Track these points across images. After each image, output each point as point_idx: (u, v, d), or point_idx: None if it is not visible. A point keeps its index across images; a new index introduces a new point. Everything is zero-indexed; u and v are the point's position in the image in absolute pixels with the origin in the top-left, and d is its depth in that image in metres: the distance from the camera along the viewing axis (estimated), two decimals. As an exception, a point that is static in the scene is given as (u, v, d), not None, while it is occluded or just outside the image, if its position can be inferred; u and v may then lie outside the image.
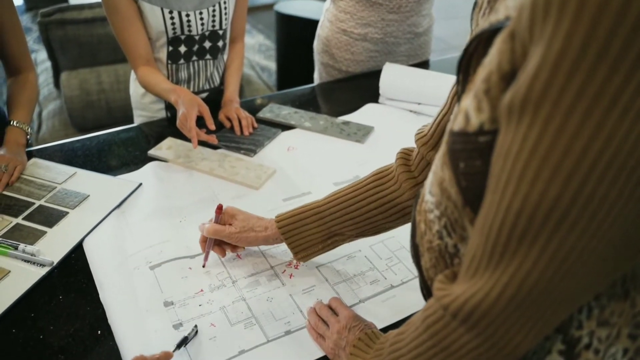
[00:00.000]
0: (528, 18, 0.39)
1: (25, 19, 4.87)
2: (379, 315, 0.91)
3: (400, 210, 0.87)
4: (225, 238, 0.96)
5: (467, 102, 0.48)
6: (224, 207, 0.98)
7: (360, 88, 1.70)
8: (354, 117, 1.54)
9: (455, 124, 0.50)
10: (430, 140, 0.82)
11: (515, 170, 0.41)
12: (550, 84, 0.38)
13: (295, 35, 3.05)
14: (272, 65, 4.02)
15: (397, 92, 1.56)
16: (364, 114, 1.55)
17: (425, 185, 0.61)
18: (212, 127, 1.27)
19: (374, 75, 1.63)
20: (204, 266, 1.00)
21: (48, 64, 2.68)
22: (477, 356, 0.50)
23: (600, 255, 0.43)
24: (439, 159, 0.55)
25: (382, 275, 1.00)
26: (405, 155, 0.88)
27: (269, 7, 3.32)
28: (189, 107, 1.24)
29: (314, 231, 0.91)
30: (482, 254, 0.47)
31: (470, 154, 0.48)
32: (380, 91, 1.59)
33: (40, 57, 3.03)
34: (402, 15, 1.67)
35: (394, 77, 1.56)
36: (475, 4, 0.64)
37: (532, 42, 0.39)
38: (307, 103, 1.63)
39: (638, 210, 0.40)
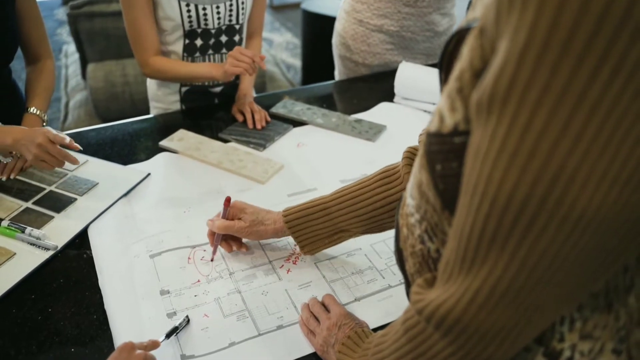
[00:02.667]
0: (494, 11, 0.38)
1: (61, 12, 5.00)
2: (374, 314, 0.90)
3: None
4: (235, 233, 0.97)
5: (441, 102, 0.47)
6: (221, 201, 0.98)
7: (376, 87, 1.69)
8: (367, 115, 1.52)
9: (431, 124, 0.48)
10: None
11: (483, 171, 0.40)
12: (515, 80, 0.36)
13: (320, 33, 3.05)
14: (298, 63, 4.03)
15: (412, 92, 1.54)
16: (378, 113, 1.54)
17: (407, 188, 0.60)
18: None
19: (391, 75, 1.62)
20: (212, 260, 1.00)
21: (78, 55, 2.75)
22: None
23: (574, 264, 0.41)
24: (417, 160, 0.54)
25: (381, 274, 0.99)
26: (411, 155, 0.86)
27: (298, 5, 3.33)
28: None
29: (321, 227, 0.91)
30: (455, 258, 0.46)
31: (447, 155, 0.46)
32: (395, 90, 1.58)
33: (71, 48, 3.10)
34: (419, 10, 1.65)
35: (410, 76, 1.55)
36: (470, 3, 0.62)
37: (498, 37, 0.38)
38: (322, 100, 1.63)
39: (613, 218, 0.38)
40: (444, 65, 0.52)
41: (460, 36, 0.47)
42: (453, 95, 0.44)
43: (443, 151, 0.47)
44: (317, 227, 0.91)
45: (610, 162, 0.35)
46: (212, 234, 0.99)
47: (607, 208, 0.37)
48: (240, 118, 1.48)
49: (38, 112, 1.31)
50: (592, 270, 0.42)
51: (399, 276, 0.98)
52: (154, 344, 0.79)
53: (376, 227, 0.90)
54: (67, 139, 1.12)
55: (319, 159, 1.33)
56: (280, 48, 4.44)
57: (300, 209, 0.93)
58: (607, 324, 0.50)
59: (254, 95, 1.61)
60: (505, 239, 0.40)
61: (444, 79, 0.53)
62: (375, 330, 0.84)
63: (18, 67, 1.42)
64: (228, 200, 0.97)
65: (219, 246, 1.00)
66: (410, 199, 0.56)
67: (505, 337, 0.46)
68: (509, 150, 0.38)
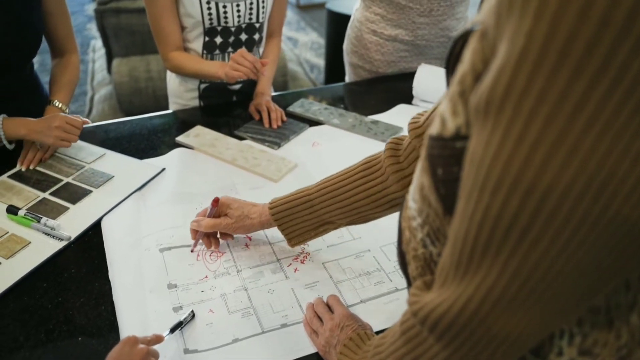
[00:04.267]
0: (496, 14, 0.37)
1: (91, 8, 5.09)
2: (379, 317, 0.90)
3: (388, 202, 0.85)
4: (223, 230, 0.98)
5: (443, 105, 0.46)
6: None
7: (395, 89, 1.68)
8: (384, 117, 1.52)
9: (433, 128, 0.48)
10: (424, 132, 0.78)
11: (478, 178, 0.39)
12: (511, 87, 0.35)
13: (344, 33, 3.04)
14: (322, 62, 4.03)
15: (431, 94, 1.53)
16: (395, 115, 1.53)
17: (409, 191, 0.59)
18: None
19: (409, 77, 1.61)
20: (192, 251, 1.02)
21: (104, 50, 2.80)
22: None
23: (569, 276, 0.40)
24: (420, 163, 0.54)
25: (388, 277, 0.98)
26: (395, 145, 0.85)
27: (324, 5, 3.33)
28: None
29: (305, 219, 0.92)
30: (450, 263, 0.45)
31: (448, 160, 0.46)
32: (414, 92, 1.56)
33: (99, 44, 3.16)
34: (434, 19, 1.63)
35: (429, 78, 1.53)
36: (480, 3, 0.61)
37: (498, 40, 0.37)
38: (340, 100, 1.63)
39: (611, 234, 0.37)
40: (450, 68, 0.51)
41: (465, 38, 0.47)
42: (455, 99, 0.44)
43: (444, 155, 0.46)
44: (302, 219, 0.92)
45: (609, 176, 0.34)
46: (195, 231, 1.00)
47: (605, 223, 0.36)
48: (256, 116, 1.48)
49: (60, 105, 1.34)
50: (588, 285, 0.41)
51: (405, 281, 0.97)
52: (158, 339, 0.80)
53: (359, 218, 0.90)
54: (80, 119, 1.24)
55: (333, 159, 1.33)
56: (304, 47, 4.45)
57: (285, 202, 0.93)
58: (608, 342, 0.49)
59: (272, 93, 1.62)
60: (498, 248, 0.40)
61: (449, 82, 0.52)
62: (379, 333, 0.84)
63: (48, 61, 1.45)
64: (216, 200, 0.97)
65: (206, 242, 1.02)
66: (412, 202, 0.56)
67: (498, 346, 0.45)
68: (502, 159, 0.37)
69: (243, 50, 1.29)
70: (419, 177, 0.53)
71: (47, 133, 1.19)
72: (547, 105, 0.34)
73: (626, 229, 0.36)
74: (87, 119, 1.28)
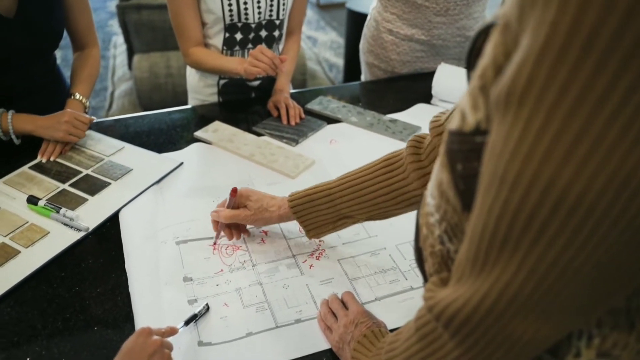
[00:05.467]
0: (518, 6, 0.36)
1: (113, 5, 5.15)
2: (393, 315, 0.89)
3: (408, 199, 0.85)
4: (241, 222, 0.98)
5: (464, 100, 0.45)
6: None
7: (412, 88, 1.66)
8: (403, 115, 1.51)
9: (452, 122, 0.47)
10: (445, 130, 0.78)
11: (497, 172, 0.38)
12: (533, 79, 0.34)
13: (363, 33, 3.04)
14: (341, 62, 4.03)
15: (450, 94, 1.52)
16: (413, 114, 1.52)
17: (428, 187, 0.59)
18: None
19: (427, 77, 1.60)
20: (214, 244, 1.02)
21: (125, 46, 2.83)
22: None
23: (588, 276, 0.39)
24: (439, 159, 0.53)
25: (404, 275, 0.98)
26: (416, 143, 0.84)
27: (344, 4, 3.33)
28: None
29: (325, 212, 0.91)
30: (467, 259, 0.45)
31: (468, 155, 0.45)
32: (433, 92, 1.55)
33: (121, 40, 3.19)
34: (450, 18, 1.62)
35: (449, 78, 1.52)
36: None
37: (521, 33, 0.36)
38: (358, 99, 1.62)
39: (631, 234, 0.36)
40: (471, 63, 0.50)
41: (487, 33, 0.46)
42: (475, 93, 0.43)
43: (464, 150, 0.45)
44: (322, 212, 0.91)
45: (632, 173, 0.33)
46: (216, 222, 1.00)
47: (626, 222, 0.35)
48: (275, 113, 1.49)
49: (81, 98, 1.35)
50: (607, 285, 0.40)
51: (422, 279, 0.97)
52: (172, 331, 0.80)
53: (378, 214, 0.89)
54: (88, 118, 1.29)
55: (350, 156, 1.33)
56: (324, 47, 4.45)
57: (305, 194, 0.93)
58: (628, 344, 0.48)
59: (291, 90, 1.62)
60: (516, 244, 0.39)
61: (470, 77, 0.51)
62: (393, 331, 0.83)
63: (70, 56, 1.47)
64: (235, 190, 0.97)
65: (227, 235, 1.02)
66: (430, 199, 0.55)
67: (513, 345, 0.44)
68: (522, 153, 0.36)
69: (262, 46, 1.29)
70: (438, 173, 0.52)
71: (56, 127, 1.23)
72: (569, 98, 0.33)
73: None
74: (93, 117, 1.32)
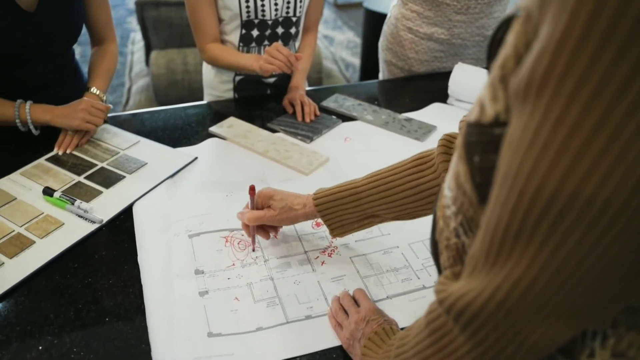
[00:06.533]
0: None
1: (132, 2, 5.19)
2: (405, 314, 0.88)
3: None
4: (267, 222, 0.96)
5: (483, 91, 0.45)
6: (257, 189, 0.96)
7: (429, 87, 1.65)
8: (418, 115, 1.50)
9: (471, 114, 0.47)
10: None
11: (513, 162, 0.38)
12: (552, 68, 0.34)
13: (380, 32, 3.02)
14: (357, 62, 4.02)
15: (466, 93, 1.50)
16: (429, 113, 1.51)
17: (445, 179, 0.58)
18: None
19: (444, 76, 1.58)
20: (253, 250, 1.00)
21: (143, 43, 2.85)
22: None
23: (603, 272, 0.38)
24: (456, 151, 0.52)
25: (416, 274, 0.97)
26: (447, 142, 0.82)
27: (361, 4, 3.32)
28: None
29: (351, 211, 0.89)
30: (480, 252, 0.44)
31: (485, 147, 0.44)
32: (449, 91, 1.54)
33: (139, 36, 3.21)
34: (471, 17, 1.60)
35: (465, 77, 1.51)
36: None
37: (541, 22, 0.36)
38: (374, 97, 1.62)
39: None
40: (492, 54, 0.50)
41: (508, 24, 0.45)
42: (495, 84, 0.42)
43: (482, 142, 0.45)
44: (347, 211, 0.89)
45: None
46: (246, 226, 0.98)
47: None
48: (290, 110, 1.48)
49: (98, 92, 1.36)
50: (622, 283, 0.39)
51: (434, 277, 0.96)
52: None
53: (407, 214, 0.87)
54: (105, 106, 1.31)
55: (365, 154, 1.32)
56: (340, 46, 4.44)
57: (330, 193, 0.90)
58: None
59: (307, 88, 1.62)
60: (530, 237, 0.38)
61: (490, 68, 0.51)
62: (404, 329, 0.82)
63: (89, 52, 1.48)
64: (252, 189, 0.94)
65: (261, 237, 1.00)
66: (447, 191, 0.55)
67: (523, 341, 0.43)
68: (540, 143, 0.36)
69: (278, 43, 1.29)
70: (455, 165, 0.51)
71: (73, 115, 1.24)
72: (588, 87, 0.33)
73: None
74: (110, 105, 1.33)
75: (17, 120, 1.23)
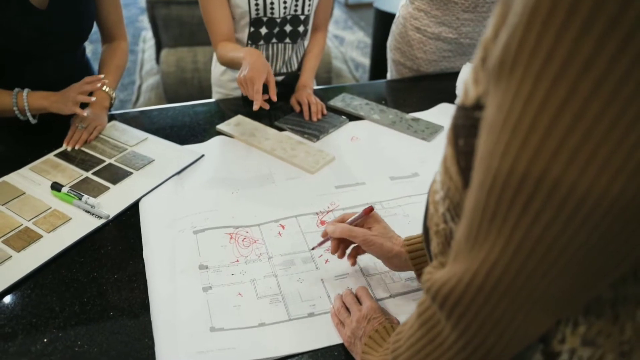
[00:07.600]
0: None
1: (144, 0, 5.23)
2: (407, 313, 0.88)
3: None
4: (356, 237, 0.87)
5: (469, 74, 0.45)
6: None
7: (437, 88, 1.65)
8: (426, 115, 1.49)
9: (458, 97, 0.47)
10: None
11: (489, 143, 0.38)
12: (522, 46, 0.34)
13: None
14: (367, 62, 4.02)
15: (474, 94, 1.50)
16: (436, 113, 1.50)
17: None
18: (274, 97, 1.22)
19: (452, 77, 1.58)
20: (313, 249, 0.98)
21: (154, 41, 2.86)
22: (455, 355, 0.47)
23: (574, 257, 0.38)
24: (446, 134, 0.52)
25: (420, 274, 0.97)
26: None
27: (371, 4, 3.32)
28: (258, 71, 1.20)
29: None
30: (461, 236, 0.44)
31: (469, 130, 0.44)
32: (457, 91, 1.53)
33: (150, 35, 3.23)
34: (479, 15, 1.59)
35: (474, 78, 1.50)
36: None
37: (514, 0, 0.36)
38: (381, 97, 1.61)
39: (620, 211, 0.34)
40: None
41: None
42: (477, 67, 0.43)
43: (466, 126, 0.45)
44: None
45: (616, 146, 0.32)
46: (326, 234, 0.92)
47: (613, 198, 0.34)
48: (297, 108, 1.49)
49: (108, 89, 1.37)
50: (595, 268, 0.39)
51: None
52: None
53: None
54: (96, 77, 1.28)
55: (371, 154, 1.32)
56: (350, 46, 4.44)
57: (421, 240, 0.84)
58: (611, 334, 0.47)
59: (315, 87, 1.62)
60: (504, 219, 0.38)
61: None
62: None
63: (100, 50, 1.49)
64: (371, 209, 0.89)
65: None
66: (438, 175, 0.55)
67: (504, 330, 0.43)
68: (512, 122, 0.36)
69: (256, 76, 1.20)
70: (445, 148, 0.51)
71: (65, 97, 1.23)
72: (554, 64, 0.33)
73: (633, 210, 0.34)
74: (101, 75, 1.31)
75: (15, 108, 1.23)
